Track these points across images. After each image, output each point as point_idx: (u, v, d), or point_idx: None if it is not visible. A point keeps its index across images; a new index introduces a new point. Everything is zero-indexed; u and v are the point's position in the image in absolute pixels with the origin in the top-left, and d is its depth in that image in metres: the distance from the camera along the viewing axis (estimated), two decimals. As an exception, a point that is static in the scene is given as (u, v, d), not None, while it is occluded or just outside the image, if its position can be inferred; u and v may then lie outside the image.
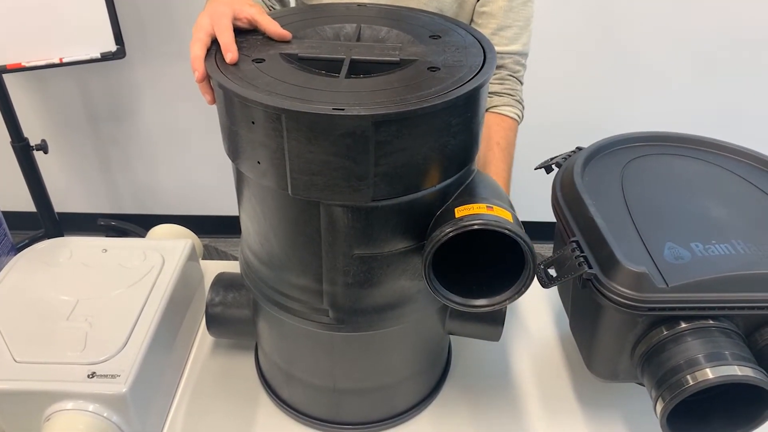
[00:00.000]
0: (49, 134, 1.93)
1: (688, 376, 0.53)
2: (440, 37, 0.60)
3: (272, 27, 0.59)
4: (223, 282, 0.71)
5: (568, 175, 0.67)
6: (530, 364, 0.79)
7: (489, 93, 0.93)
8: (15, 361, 0.60)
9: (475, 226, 0.49)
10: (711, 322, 0.56)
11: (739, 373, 0.52)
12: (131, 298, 0.68)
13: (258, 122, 0.49)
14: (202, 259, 0.87)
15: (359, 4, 0.69)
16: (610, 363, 0.61)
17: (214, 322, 0.70)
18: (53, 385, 0.59)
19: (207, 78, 0.57)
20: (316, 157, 0.48)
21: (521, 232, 0.50)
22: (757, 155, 0.72)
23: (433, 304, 0.63)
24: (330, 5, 0.69)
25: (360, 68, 0.55)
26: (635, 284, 0.54)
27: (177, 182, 2.13)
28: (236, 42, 0.57)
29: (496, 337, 0.69)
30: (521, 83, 0.97)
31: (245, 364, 0.77)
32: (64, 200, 2.04)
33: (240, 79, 0.51)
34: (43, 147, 1.66)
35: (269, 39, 0.60)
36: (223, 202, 2.13)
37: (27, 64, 1.46)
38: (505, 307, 0.56)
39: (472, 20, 0.93)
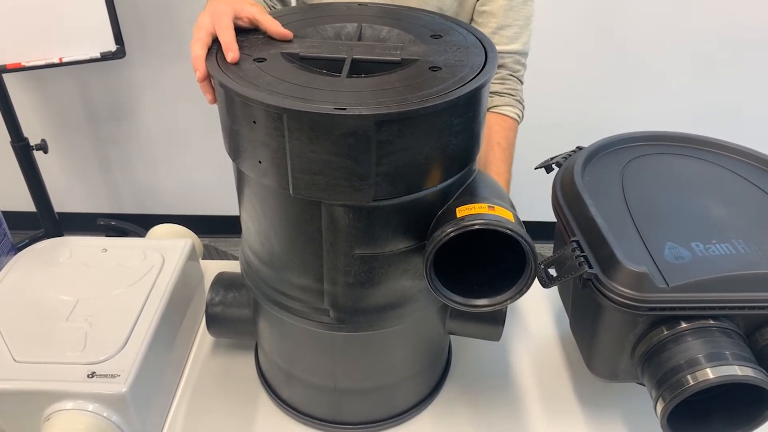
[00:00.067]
0: (49, 134, 1.93)
1: (689, 376, 0.53)
2: (441, 36, 0.60)
3: (273, 26, 0.59)
4: (223, 282, 0.71)
5: (569, 174, 0.67)
6: (530, 363, 0.79)
7: (489, 93, 0.93)
8: (15, 360, 0.60)
9: (477, 226, 0.49)
10: (711, 321, 0.56)
11: (740, 373, 0.52)
12: (131, 298, 0.68)
13: (259, 122, 0.49)
14: (202, 258, 0.87)
15: (360, 4, 0.69)
16: (611, 363, 0.61)
17: (214, 322, 0.70)
18: (53, 385, 0.59)
19: (208, 77, 0.57)
20: (317, 157, 0.48)
21: (523, 232, 0.50)
22: (757, 155, 0.72)
23: (433, 304, 0.63)
24: (331, 5, 0.69)
25: (361, 68, 0.55)
26: (636, 284, 0.54)
27: (177, 182, 2.12)
28: (237, 41, 0.57)
29: (496, 337, 0.69)
30: (521, 83, 0.97)
31: (245, 363, 0.77)
32: (64, 200, 2.04)
33: (241, 78, 0.51)
34: (43, 147, 1.66)
35: (270, 38, 0.60)
36: (223, 202, 2.13)
37: (27, 64, 1.46)
38: (506, 307, 0.56)
39: (472, 19, 0.93)
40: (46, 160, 1.77)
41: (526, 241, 0.50)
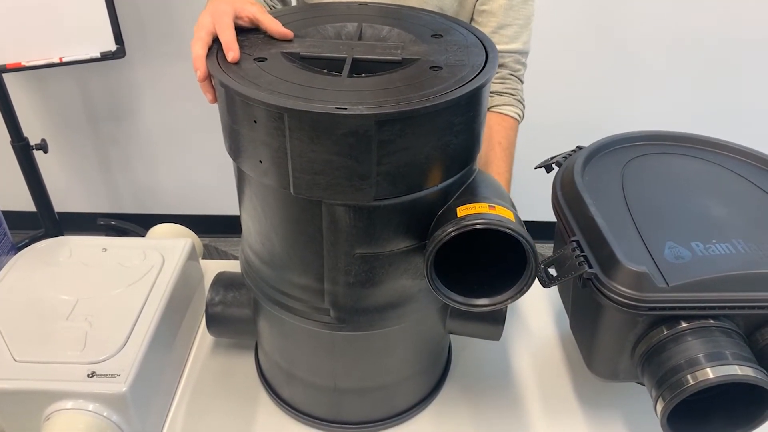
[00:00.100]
0: (49, 134, 1.93)
1: (689, 376, 0.53)
2: (442, 36, 0.60)
3: (274, 25, 0.59)
4: (223, 281, 0.71)
5: (569, 174, 0.67)
6: (530, 363, 0.79)
7: (490, 92, 0.93)
8: (15, 360, 0.60)
9: (478, 226, 0.49)
10: (711, 321, 0.56)
11: (740, 373, 0.52)
12: (131, 298, 0.68)
13: (260, 121, 0.49)
14: (202, 258, 0.87)
15: (360, 3, 0.69)
16: (611, 362, 0.61)
17: (214, 322, 0.70)
18: (53, 385, 0.59)
19: (209, 77, 0.57)
20: (318, 157, 0.48)
21: (523, 231, 0.50)
22: (757, 154, 0.72)
23: (434, 304, 0.63)
24: (331, 4, 0.69)
25: (362, 67, 0.55)
26: (636, 284, 0.54)
27: (177, 182, 2.12)
28: (238, 41, 0.57)
29: (496, 337, 0.69)
30: (522, 82, 0.97)
31: (245, 363, 0.77)
32: (64, 200, 2.04)
33: (242, 78, 0.51)
34: (43, 146, 1.66)
35: (271, 38, 0.60)
36: (223, 202, 2.13)
37: (27, 64, 1.46)
38: (506, 307, 0.56)
39: (472, 19, 0.93)
40: (46, 159, 1.77)
41: (526, 240, 0.50)
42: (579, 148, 0.74)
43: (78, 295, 0.68)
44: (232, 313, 0.69)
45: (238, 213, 0.63)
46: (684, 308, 0.55)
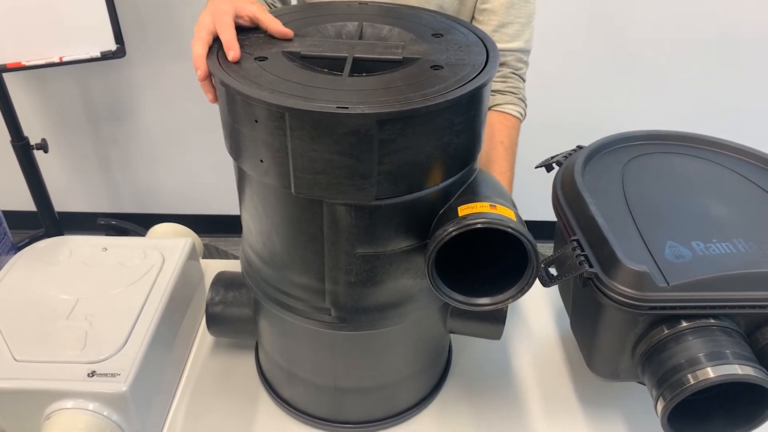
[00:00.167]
0: (49, 133, 1.93)
1: (689, 375, 0.53)
2: (442, 35, 0.60)
3: (274, 25, 0.59)
4: (223, 281, 0.71)
5: (569, 173, 0.67)
6: (531, 362, 0.79)
7: (492, 91, 0.93)
8: (15, 359, 0.60)
9: (479, 225, 0.49)
10: (712, 321, 0.56)
11: (740, 372, 0.52)
12: (131, 297, 0.68)
13: (261, 121, 0.49)
14: (203, 258, 0.87)
15: (360, 3, 0.69)
16: (611, 362, 0.61)
17: (214, 321, 0.70)
18: (53, 384, 0.58)
19: (209, 76, 0.57)
20: (319, 156, 0.48)
21: (524, 230, 0.50)
22: (757, 154, 0.72)
23: (434, 303, 0.63)
24: (331, 3, 0.69)
25: (362, 66, 0.55)
26: (636, 283, 0.54)
27: (177, 181, 2.12)
28: (238, 40, 0.57)
29: (497, 336, 0.69)
30: (524, 80, 0.96)
31: (245, 363, 0.77)
32: (64, 199, 2.04)
33: (243, 77, 0.51)
34: (43, 146, 1.66)
35: (271, 37, 0.60)
36: (223, 202, 2.12)
37: (27, 63, 1.46)
38: (506, 306, 0.56)
39: (473, 17, 0.93)
40: (47, 159, 1.77)
41: (528, 239, 0.50)
42: (579, 147, 0.74)
43: (78, 295, 0.68)
44: (232, 313, 0.69)
45: (238, 212, 0.63)
46: (684, 307, 0.55)
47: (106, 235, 1.83)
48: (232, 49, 0.55)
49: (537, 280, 0.54)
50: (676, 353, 0.55)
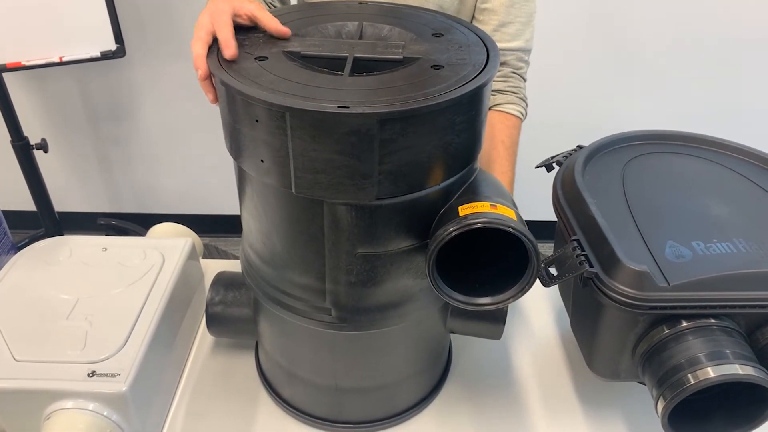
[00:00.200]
0: (49, 133, 1.93)
1: (690, 375, 0.53)
2: (443, 35, 0.60)
3: (272, 24, 0.59)
4: (223, 281, 0.71)
5: (569, 173, 0.67)
6: (531, 362, 0.78)
7: (492, 90, 0.93)
8: (15, 359, 0.60)
9: (480, 225, 0.49)
10: (712, 320, 0.56)
11: (741, 372, 0.52)
12: (131, 297, 0.68)
13: (262, 120, 0.49)
14: (203, 258, 0.87)
15: (360, 2, 0.69)
16: (611, 362, 0.61)
17: (214, 321, 0.70)
18: (53, 384, 0.58)
19: (210, 76, 0.57)
20: (320, 156, 0.48)
21: (525, 230, 0.50)
22: (757, 153, 0.72)
23: (435, 303, 0.63)
24: (331, 3, 0.69)
25: (363, 66, 0.55)
26: (636, 283, 0.54)
27: (177, 181, 2.12)
28: (238, 39, 0.57)
29: (497, 336, 0.69)
30: (524, 80, 0.96)
31: (245, 363, 0.77)
32: (64, 199, 2.04)
33: (243, 77, 0.51)
34: (43, 146, 1.66)
35: (271, 37, 0.60)
36: (223, 201, 2.12)
37: (27, 63, 1.46)
38: (507, 306, 0.56)
39: (473, 17, 0.93)
40: (46, 159, 1.77)
41: (528, 239, 0.50)
42: (579, 147, 0.74)
43: (78, 295, 0.68)
44: (232, 313, 0.69)
45: (238, 212, 0.63)
46: (685, 307, 0.55)
47: (106, 235, 1.83)
48: (229, 48, 0.55)
49: (537, 280, 0.54)
50: (676, 353, 0.55)
